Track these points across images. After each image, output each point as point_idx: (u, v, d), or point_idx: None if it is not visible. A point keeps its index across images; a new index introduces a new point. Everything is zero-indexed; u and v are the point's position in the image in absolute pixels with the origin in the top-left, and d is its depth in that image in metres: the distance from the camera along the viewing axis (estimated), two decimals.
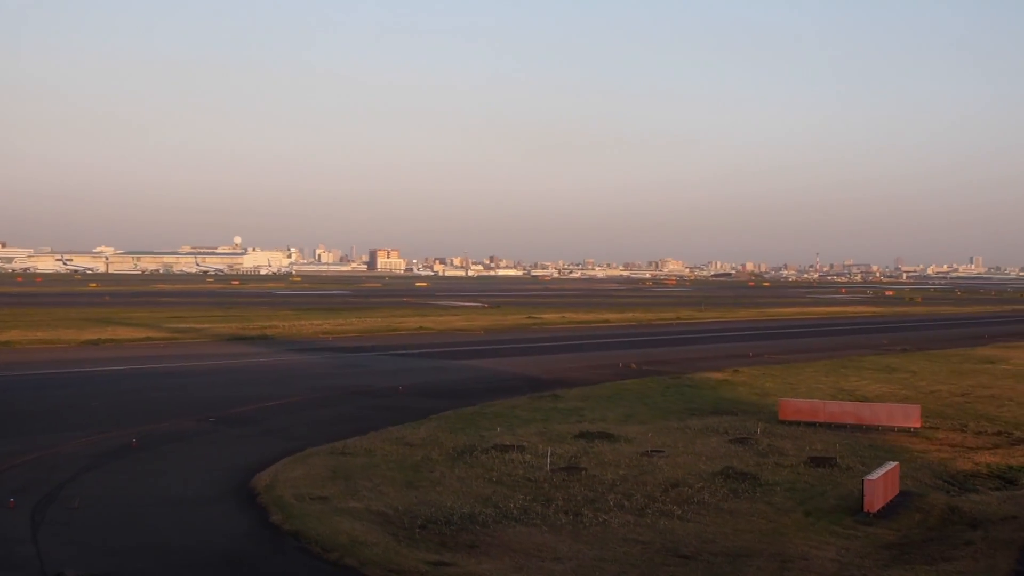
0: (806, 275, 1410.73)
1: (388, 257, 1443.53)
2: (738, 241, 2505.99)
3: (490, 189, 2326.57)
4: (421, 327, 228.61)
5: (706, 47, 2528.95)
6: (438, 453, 79.21)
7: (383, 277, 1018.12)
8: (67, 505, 61.00)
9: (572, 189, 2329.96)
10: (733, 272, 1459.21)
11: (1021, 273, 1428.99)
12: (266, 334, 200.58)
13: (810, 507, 64.36)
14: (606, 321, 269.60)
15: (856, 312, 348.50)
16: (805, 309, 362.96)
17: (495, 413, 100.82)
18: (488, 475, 71.68)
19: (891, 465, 68.27)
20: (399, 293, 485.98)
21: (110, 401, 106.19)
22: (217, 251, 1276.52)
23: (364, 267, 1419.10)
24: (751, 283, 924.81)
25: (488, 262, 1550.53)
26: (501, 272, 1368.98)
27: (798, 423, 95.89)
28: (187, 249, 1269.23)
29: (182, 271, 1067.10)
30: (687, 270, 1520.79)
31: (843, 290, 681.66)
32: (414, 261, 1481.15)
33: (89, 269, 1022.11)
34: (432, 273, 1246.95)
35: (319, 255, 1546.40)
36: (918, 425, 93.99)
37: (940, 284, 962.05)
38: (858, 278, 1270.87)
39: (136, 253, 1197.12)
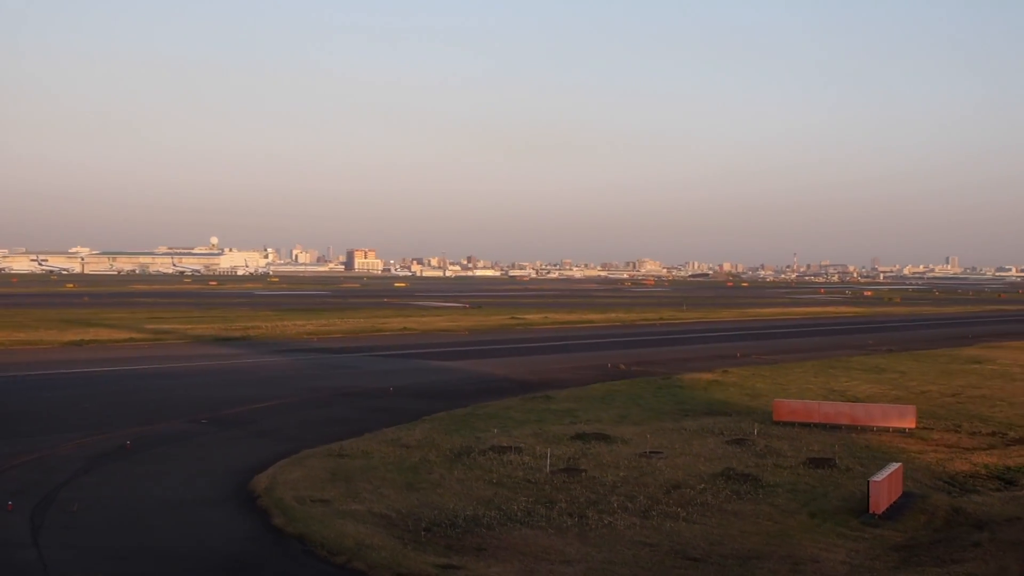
0: (783, 275, 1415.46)
1: (365, 257, 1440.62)
2: (715, 241, 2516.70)
3: (466, 189, 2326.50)
4: (405, 328, 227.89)
5: (681, 49, 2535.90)
6: (435, 455, 78.67)
7: (361, 277, 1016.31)
8: (66, 508, 60.21)
9: (549, 190, 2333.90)
10: (711, 272, 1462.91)
11: (997, 274, 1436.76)
12: (249, 335, 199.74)
13: (814, 508, 64.07)
14: (589, 322, 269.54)
15: (837, 312, 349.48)
16: (786, 309, 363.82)
17: (488, 414, 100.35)
18: (488, 477, 71.20)
19: (895, 466, 68.10)
20: (379, 294, 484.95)
21: (101, 402, 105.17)
22: (194, 251, 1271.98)
23: (341, 267, 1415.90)
24: (729, 283, 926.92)
25: (466, 262, 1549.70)
26: (479, 272, 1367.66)
27: (792, 424, 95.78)
28: (163, 249, 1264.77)
29: (158, 271, 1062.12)
30: (665, 270, 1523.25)
31: (822, 290, 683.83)
32: (391, 261, 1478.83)
33: (65, 269, 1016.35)
34: (410, 273, 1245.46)
35: (296, 255, 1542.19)
36: (913, 426, 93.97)
37: (917, 284, 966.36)
38: (835, 278, 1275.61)
39: (112, 253, 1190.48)
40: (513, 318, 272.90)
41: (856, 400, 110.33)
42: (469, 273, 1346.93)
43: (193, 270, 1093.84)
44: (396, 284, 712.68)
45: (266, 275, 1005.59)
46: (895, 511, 63.12)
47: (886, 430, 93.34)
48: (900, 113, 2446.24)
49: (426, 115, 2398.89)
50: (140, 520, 58.21)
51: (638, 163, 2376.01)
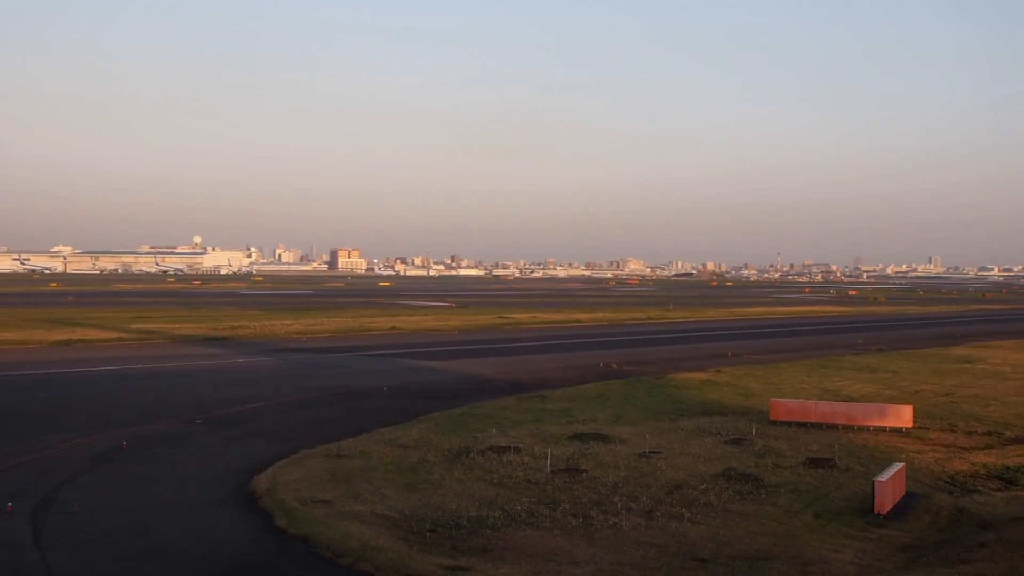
0: (767, 275, 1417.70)
1: (349, 257, 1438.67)
2: (698, 241, 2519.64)
3: (449, 188, 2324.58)
4: (394, 327, 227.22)
5: (665, 49, 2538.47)
6: (434, 455, 78.37)
7: (345, 277, 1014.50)
8: (67, 510, 59.66)
9: (532, 189, 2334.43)
10: (694, 272, 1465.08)
11: (979, 273, 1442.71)
12: (238, 335, 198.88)
13: (818, 509, 63.93)
14: (577, 321, 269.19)
15: (824, 312, 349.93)
16: (773, 309, 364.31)
17: (484, 414, 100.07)
18: (488, 477, 70.93)
19: (898, 466, 67.98)
20: (364, 293, 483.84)
21: (93, 403, 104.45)
22: (177, 251, 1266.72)
23: (325, 267, 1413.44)
24: (714, 283, 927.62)
25: (450, 262, 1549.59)
26: (463, 272, 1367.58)
27: (789, 423, 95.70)
28: (146, 249, 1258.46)
29: (141, 271, 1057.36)
30: (648, 270, 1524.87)
31: (807, 290, 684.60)
32: (375, 261, 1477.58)
33: (47, 269, 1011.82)
34: (394, 273, 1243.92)
35: (279, 255, 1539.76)
36: (910, 425, 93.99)
37: (901, 284, 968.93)
38: (819, 278, 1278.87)
39: (94, 253, 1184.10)
40: (501, 317, 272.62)
41: (850, 400, 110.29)
42: (453, 272, 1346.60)
43: (176, 269, 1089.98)
44: (381, 283, 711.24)
45: (250, 274, 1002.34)
46: (899, 511, 62.98)
47: (883, 430, 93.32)
48: (883, 115, 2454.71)
49: (410, 114, 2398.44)
50: (142, 522, 57.71)
51: (621, 163, 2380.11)
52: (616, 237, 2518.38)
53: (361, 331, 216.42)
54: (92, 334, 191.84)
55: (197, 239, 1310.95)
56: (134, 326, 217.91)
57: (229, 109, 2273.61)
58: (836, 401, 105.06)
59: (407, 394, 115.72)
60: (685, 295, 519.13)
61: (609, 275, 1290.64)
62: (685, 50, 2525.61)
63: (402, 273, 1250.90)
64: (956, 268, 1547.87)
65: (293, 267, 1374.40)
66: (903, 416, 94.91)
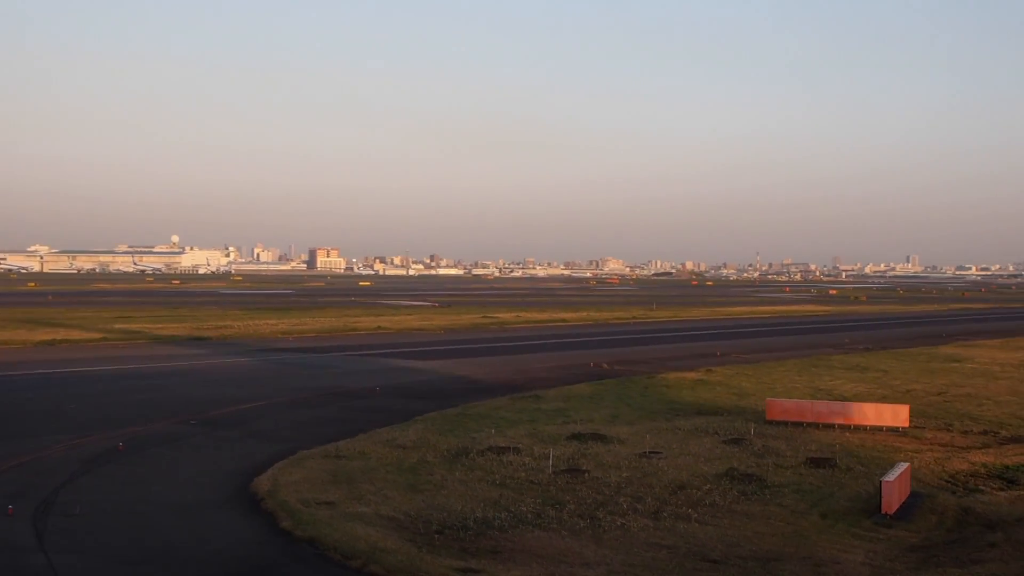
0: (746, 274, 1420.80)
1: (328, 256, 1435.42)
2: (677, 240, 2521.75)
3: (428, 187, 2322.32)
4: (379, 327, 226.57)
5: (645, 48, 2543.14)
6: (433, 455, 77.99)
7: (325, 276, 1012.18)
8: (68, 512, 59.02)
9: (511, 188, 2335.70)
10: (673, 271, 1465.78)
11: (957, 272, 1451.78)
12: (223, 335, 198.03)
13: (824, 509, 63.75)
14: (563, 320, 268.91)
15: (807, 311, 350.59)
16: (756, 308, 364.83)
17: (479, 414, 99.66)
18: (490, 478, 70.52)
19: (903, 466, 67.89)
20: (345, 292, 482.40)
21: (85, 404, 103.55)
22: (154, 250, 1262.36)
23: (304, 266, 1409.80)
24: (694, 282, 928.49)
25: (429, 261, 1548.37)
26: (442, 271, 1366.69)
27: (785, 423, 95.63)
28: (124, 248, 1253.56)
29: (119, 270, 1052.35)
30: (627, 269, 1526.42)
31: (787, 289, 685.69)
32: (354, 260, 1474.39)
33: (24, 268, 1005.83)
34: (373, 272, 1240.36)
35: (258, 254, 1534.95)
36: (906, 425, 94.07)
37: (880, 283, 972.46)
38: (798, 277, 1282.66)
39: (71, 252, 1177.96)
40: (485, 317, 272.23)
41: (843, 399, 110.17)
42: (432, 272, 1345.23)
43: (154, 269, 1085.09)
44: (361, 283, 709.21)
45: (228, 274, 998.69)
46: (905, 511, 62.85)
47: (879, 429, 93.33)
48: (862, 115, 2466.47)
49: (389, 114, 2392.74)
50: (146, 524, 57.04)
51: (600, 161, 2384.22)
52: (595, 236, 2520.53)
53: (347, 331, 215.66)
54: (76, 334, 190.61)
55: (175, 238, 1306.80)
56: (117, 326, 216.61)
57: (207, 108, 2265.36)
58: (832, 401, 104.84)
59: (400, 394, 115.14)
60: (667, 294, 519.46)
61: (589, 274, 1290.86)
62: (664, 49, 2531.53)
63: (381, 272, 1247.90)
64: (934, 267, 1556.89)
65: (272, 266, 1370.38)
66: (900, 416, 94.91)
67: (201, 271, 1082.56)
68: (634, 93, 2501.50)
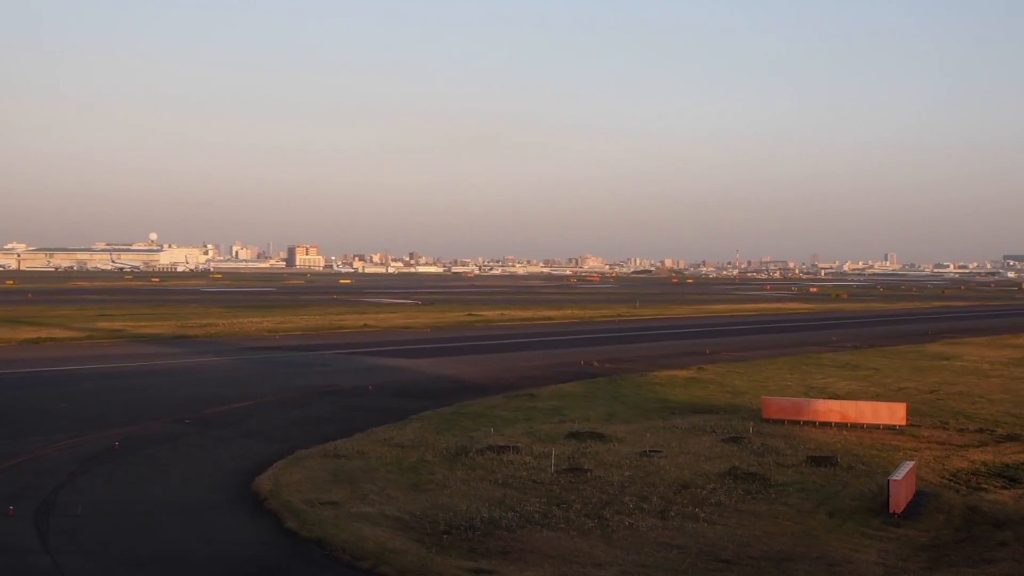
0: (725, 271, 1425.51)
1: (307, 254, 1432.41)
2: (656, 238, 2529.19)
3: (407, 184, 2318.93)
4: (365, 325, 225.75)
5: (625, 44, 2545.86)
6: (432, 455, 77.43)
7: (304, 274, 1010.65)
8: (70, 513, 58.18)
9: (490, 185, 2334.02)
10: (653, 269, 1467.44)
11: (935, 270, 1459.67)
12: (208, 333, 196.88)
13: (831, 508, 63.55)
14: (548, 318, 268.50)
15: (790, 309, 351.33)
16: (739, 306, 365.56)
17: (475, 413, 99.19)
18: (492, 477, 70.06)
19: (909, 465, 67.83)
20: (326, 290, 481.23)
21: (77, 403, 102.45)
22: (133, 248, 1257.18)
23: (283, 264, 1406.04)
24: (674, 280, 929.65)
25: (408, 259, 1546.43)
26: (422, 269, 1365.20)
27: (782, 421, 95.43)
28: (101, 245, 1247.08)
29: (97, 268, 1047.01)
30: (607, 267, 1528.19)
31: (768, 287, 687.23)
32: (333, 258, 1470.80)
33: (1, 266, 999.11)
34: (352, 270, 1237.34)
35: (236, 252, 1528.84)
36: (903, 423, 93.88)
37: (860, 281, 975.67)
38: (777, 275, 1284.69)
39: (49, 250, 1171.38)
40: (470, 315, 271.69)
41: (837, 397, 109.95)
42: (412, 270, 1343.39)
43: (132, 266, 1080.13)
44: (341, 281, 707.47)
45: (207, 271, 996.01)
46: (912, 510, 62.70)
47: (876, 427, 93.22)
48: (841, 114, 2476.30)
49: (366, 110, 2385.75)
50: (149, 525, 56.31)
51: (579, 159, 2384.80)
52: (574, 234, 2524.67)
53: (333, 329, 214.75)
54: (59, 333, 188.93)
55: (153, 236, 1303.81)
56: (100, 324, 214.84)
57: (184, 106, 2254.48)
58: (828, 399, 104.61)
59: (393, 393, 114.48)
60: (649, 292, 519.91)
61: (568, 272, 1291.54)
62: (645, 46, 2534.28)
63: (361, 270, 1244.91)
64: (912, 265, 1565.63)
65: (251, 264, 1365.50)
66: (897, 414, 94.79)
67: (180, 269, 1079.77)
68: (614, 91, 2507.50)
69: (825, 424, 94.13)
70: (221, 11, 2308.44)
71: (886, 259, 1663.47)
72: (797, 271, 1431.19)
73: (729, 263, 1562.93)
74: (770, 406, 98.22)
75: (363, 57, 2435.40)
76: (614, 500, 63.86)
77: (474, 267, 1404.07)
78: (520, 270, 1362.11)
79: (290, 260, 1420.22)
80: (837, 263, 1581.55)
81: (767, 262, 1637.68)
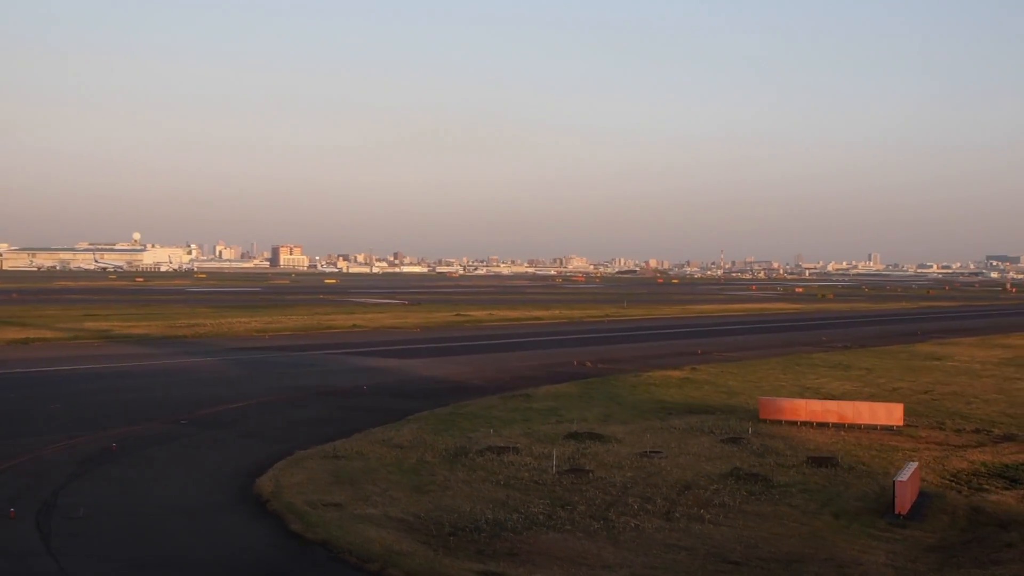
0: (709, 271, 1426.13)
1: (291, 254, 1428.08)
2: (640, 238, 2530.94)
3: (391, 184, 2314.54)
4: (354, 325, 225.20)
5: (608, 44, 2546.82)
6: (432, 456, 77.19)
7: (289, 274, 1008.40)
8: (71, 515, 57.66)
9: (474, 185, 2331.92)
10: (637, 269, 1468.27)
11: (919, 271, 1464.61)
12: (197, 333, 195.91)
13: (835, 509, 63.44)
14: (536, 318, 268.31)
15: (778, 309, 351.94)
16: (727, 306, 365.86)
17: (472, 414, 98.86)
18: (493, 478, 69.81)
19: (913, 466, 67.72)
20: (312, 290, 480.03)
21: (71, 403, 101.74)
22: (116, 247, 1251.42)
23: (267, 264, 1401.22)
24: (660, 280, 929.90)
25: (392, 259, 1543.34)
26: (406, 269, 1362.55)
27: (779, 422, 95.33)
28: (84, 245, 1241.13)
29: (80, 267, 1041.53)
30: (592, 267, 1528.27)
31: (754, 287, 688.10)
32: (317, 258, 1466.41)
33: None
34: (337, 270, 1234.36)
35: (220, 251, 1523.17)
36: (901, 424, 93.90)
37: (844, 281, 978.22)
38: (761, 275, 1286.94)
39: (31, 249, 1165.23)
40: (459, 315, 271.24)
41: (831, 397, 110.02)
42: (396, 270, 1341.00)
43: (116, 266, 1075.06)
44: (327, 280, 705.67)
45: (191, 271, 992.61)
46: (917, 511, 62.67)
47: (874, 428, 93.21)
48: (825, 115, 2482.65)
49: (351, 110, 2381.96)
50: (152, 527, 55.86)
51: (563, 159, 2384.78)
52: (559, 234, 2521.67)
53: (322, 329, 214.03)
54: (47, 333, 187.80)
55: (136, 236, 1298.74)
56: (87, 324, 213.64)
57: (168, 104, 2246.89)
58: (825, 399, 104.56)
59: (388, 393, 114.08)
60: (635, 292, 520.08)
61: (553, 272, 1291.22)
62: (628, 47, 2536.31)
63: (345, 270, 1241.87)
64: (895, 265, 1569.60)
65: (234, 264, 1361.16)
66: (894, 414, 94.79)
67: (163, 268, 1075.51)
68: (598, 91, 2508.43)
69: (822, 424, 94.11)
70: (206, 9, 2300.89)
71: (869, 259, 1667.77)
72: (781, 271, 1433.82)
73: (713, 263, 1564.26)
74: (767, 407, 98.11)
75: (346, 57, 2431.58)
76: (617, 501, 63.65)
77: (459, 267, 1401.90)
78: (505, 270, 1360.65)
79: (274, 260, 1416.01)
80: (821, 263, 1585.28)
81: (751, 262, 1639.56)
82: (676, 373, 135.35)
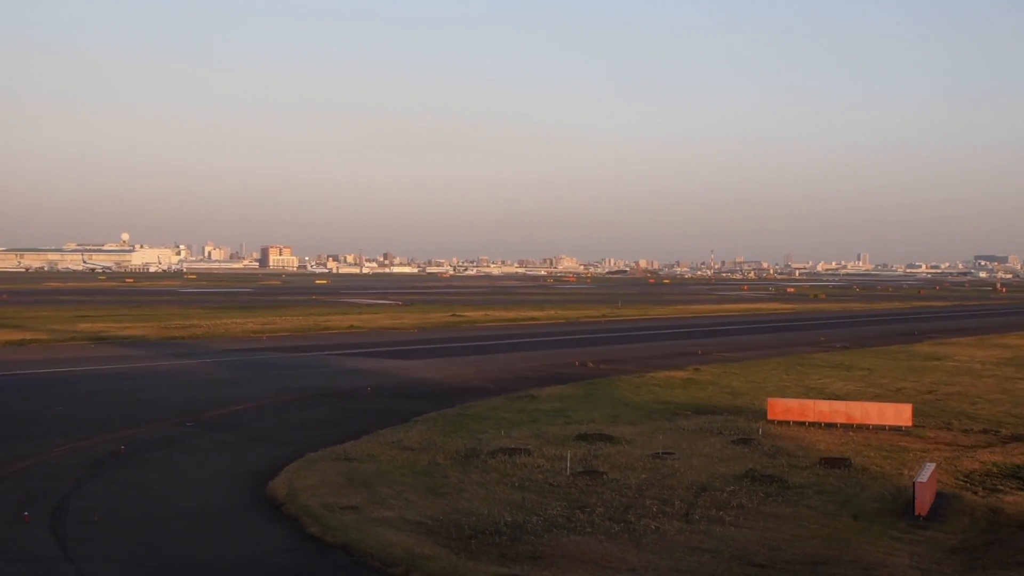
0: (699, 272, 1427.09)
1: (280, 254, 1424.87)
2: (630, 238, 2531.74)
3: (380, 184, 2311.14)
4: (352, 326, 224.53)
5: (596, 44, 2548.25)
6: (443, 457, 76.85)
7: (279, 274, 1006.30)
8: (86, 519, 57.07)
9: (463, 185, 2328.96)
10: (627, 269, 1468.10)
11: (908, 270, 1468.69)
12: (193, 334, 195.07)
13: (854, 510, 63.13)
14: (533, 319, 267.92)
15: (771, 309, 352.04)
16: (721, 307, 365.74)
17: (479, 415, 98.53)
18: (507, 480, 69.46)
19: (931, 467, 67.41)
20: (304, 291, 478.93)
21: (73, 405, 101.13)
22: (104, 248, 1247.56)
23: (256, 264, 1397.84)
24: (651, 280, 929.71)
25: (382, 259, 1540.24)
26: (396, 269, 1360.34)
27: (787, 422, 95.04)
28: (72, 246, 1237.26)
29: (68, 268, 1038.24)
30: (582, 267, 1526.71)
31: (745, 287, 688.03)
32: (307, 258, 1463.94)
33: None
34: (327, 270, 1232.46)
35: (209, 252, 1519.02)
36: (910, 424, 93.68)
37: (835, 281, 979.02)
38: (752, 275, 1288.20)
39: (19, 250, 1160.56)
40: (454, 315, 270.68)
41: (836, 398, 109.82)
42: (386, 270, 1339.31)
43: (104, 267, 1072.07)
44: (318, 281, 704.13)
45: (181, 272, 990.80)
46: (936, 512, 62.43)
47: (882, 428, 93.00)
48: (814, 115, 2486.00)
49: (340, 110, 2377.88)
50: (169, 531, 55.32)
51: (552, 159, 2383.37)
52: (549, 234, 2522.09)
53: (319, 330, 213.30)
54: (42, 335, 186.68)
55: (125, 236, 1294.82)
56: (80, 326, 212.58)
57: (157, 104, 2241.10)
58: (833, 400, 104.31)
59: (392, 394, 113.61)
60: (628, 293, 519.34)
61: (544, 272, 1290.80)
62: (617, 46, 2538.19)
63: (335, 271, 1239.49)
64: (884, 265, 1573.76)
65: (224, 265, 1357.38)
66: (903, 415, 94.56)
67: (152, 269, 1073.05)
68: (587, 91, 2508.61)
69: (830, 425, 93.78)
70: (193, 9, 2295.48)
71: (859, 259, 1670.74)
72: (771, 271, 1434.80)
73: (703, 263, 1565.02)
74: (775, 407, 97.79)
75: (335, 57, 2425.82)
76: (635, 503, 63.28)
77: (449, 267, 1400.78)
78: (495, 270, 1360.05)
79: (263, 260, 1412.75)
80: (810, 263, 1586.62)
81: (741, 262, 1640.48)
82: (679, 374, 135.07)
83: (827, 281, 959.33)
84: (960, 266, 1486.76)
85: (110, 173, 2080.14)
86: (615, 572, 49.68)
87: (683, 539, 55.74)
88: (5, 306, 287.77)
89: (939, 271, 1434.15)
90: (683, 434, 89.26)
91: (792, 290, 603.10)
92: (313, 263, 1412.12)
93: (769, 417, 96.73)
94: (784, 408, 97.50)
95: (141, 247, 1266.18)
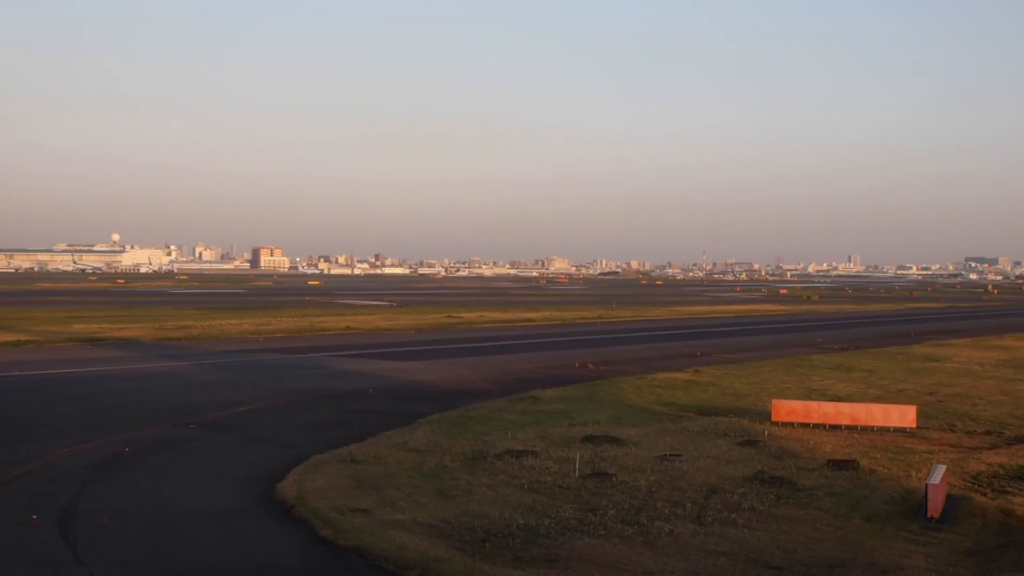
0: (691, 273, 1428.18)
1: (272, 255, 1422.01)
2: (622, 239, 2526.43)
3: (372, 184, 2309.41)
4: (348, 327, 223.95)
5: (588, 45, 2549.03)
6: (450, 459, 76.49)
7: (271, 275, 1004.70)
8: (95, 522, 56.53)
9: (455, 186, 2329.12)
10: (619, 270, 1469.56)
11: (898, 272, 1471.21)
12: (189, 335, 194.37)
13: (866, 512, 62.96)
14: (528, 320, 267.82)
15: (766, 310, 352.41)
16: (715, 308, 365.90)
17: (482, 416, 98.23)
18: (516, 482, 69.16)
19: (942, 468, 67.26)
20: (297, 292, 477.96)
21: (76, 407, 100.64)
22: (95, 249, 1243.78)
23: (247, 265, 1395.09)
24: (643, 281, 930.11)
25: (374, 260, 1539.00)
26: (388, 271, 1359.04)
27: (792, 424, 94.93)
28: (63, 247, 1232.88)
29: (58, 269, 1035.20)
30: (574, 268, 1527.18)
31: (738, 288, 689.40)
32: (298, 259, 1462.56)
33: None
34: (319, 271, 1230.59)
35: (199, 253, 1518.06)
36: (914, 426, 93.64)
37: (826, 282, 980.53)
38: (743, 276, 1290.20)
39: (8, 251, 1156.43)
40: (450, 317, 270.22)
41: (838, 399, 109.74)
42: (378, 271, 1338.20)
43: (95, 268, 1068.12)
44: (310, 282, 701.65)
45: (172, 273, 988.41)
46: (948, 514, 62.29)
47: (887, 430, 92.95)
48: (806, 117, 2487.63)
49: (331, 110, 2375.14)
50: (180, 534, 54.97)
51: (544, 160, 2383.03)
52: (540, 235, 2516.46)
53: (315, 331, 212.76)
54: (37, 336, 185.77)
55: (116, 237, 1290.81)
56: (75, 327, 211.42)
57: (148, 104, 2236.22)
58: (838, 402, 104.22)
59: (394, 396, 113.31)
60: (621, 294, 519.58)
61: (536, 273, 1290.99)
62: (609, 47, 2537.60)
63: (327, 272, 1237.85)
64: (875, 267, 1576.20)
65: (215, 265, 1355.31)
66: (907, 417, 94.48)
67: (143, 270, 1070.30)
68: (579, 93, 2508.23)
69: (835, 427, 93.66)
70: (183, 8, 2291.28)
71: (849, 261, 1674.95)
72: (763, 273, 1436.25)
73: (695, 265, 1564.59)
74: (780, 409, 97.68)
75: (327, 57, 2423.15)
76: (646, 505, 63.04)
77: (440, 268, 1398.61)
78: (487, 271, 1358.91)
79: (254, 261, 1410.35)
80: (802, 265, 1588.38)
81: (732, 264, 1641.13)
82: (680, 375, 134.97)
83: (819, 282, 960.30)
84: (951, 268, 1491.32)
85: (100, 173, 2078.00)
86: (632, 574, 49.43)
87: (697, 541, 55.49)
88: None
89: (930, 272, 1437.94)
90: (688, 436, 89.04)
91: (785, 291, 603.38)
92: (304, 264, 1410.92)
93: (773, 419, 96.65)
94: (788, 410, 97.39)
95: (131, 248, 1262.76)
